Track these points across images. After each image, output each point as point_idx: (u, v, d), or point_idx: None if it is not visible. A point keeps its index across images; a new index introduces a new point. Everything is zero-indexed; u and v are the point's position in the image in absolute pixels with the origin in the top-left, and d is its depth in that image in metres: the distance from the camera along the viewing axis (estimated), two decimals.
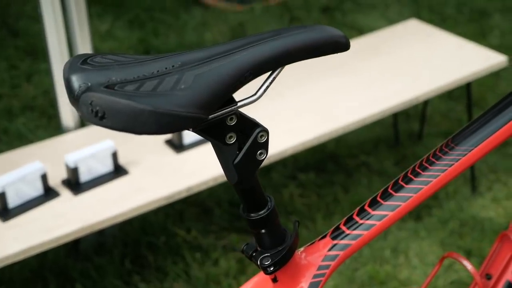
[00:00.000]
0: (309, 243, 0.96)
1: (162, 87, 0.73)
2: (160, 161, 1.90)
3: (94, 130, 2.04)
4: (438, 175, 0.98)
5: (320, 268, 0.94)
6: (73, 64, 0.76)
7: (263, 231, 0.88)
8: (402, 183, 0.98)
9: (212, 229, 2.28)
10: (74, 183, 1.79)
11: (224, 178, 1.86)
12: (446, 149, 1.00)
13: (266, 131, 0.82)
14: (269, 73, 0.80)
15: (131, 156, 1.90)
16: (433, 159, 0.99)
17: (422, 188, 0.97)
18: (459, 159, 0.99)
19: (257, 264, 0.90)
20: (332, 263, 0.94)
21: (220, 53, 0.77)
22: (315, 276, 0.93)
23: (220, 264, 2.14)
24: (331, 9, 3.63)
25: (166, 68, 0.75)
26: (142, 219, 2.25)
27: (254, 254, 0.90)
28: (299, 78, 2.13)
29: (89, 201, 1.77)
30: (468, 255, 2.16)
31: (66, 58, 2.02)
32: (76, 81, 0.74)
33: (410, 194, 0.97)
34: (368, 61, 2.24)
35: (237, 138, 0.80)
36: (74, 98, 0.73)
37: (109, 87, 0.72)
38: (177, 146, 1.93)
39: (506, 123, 1.02)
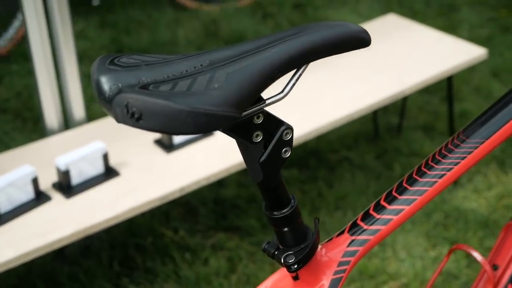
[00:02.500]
0: (326, 240, 0.96)
1: (196, 87, 0.72)
2: (150, 162, 1.88)
3: (80, 132, 2.01)
4: (452, 168, 0.99)
5: (340, 264, 0.94)
6: (100, 65, 0.75)
7: (286, 229, 0.88)
8: (416, 177, 0.99)
9: (199, 229, 2.27)
10: (66, 186, 1.76)
11: (216, 177, 1.86)
12: (458, 142, 1.00)
13: (291, 128, 0.82)
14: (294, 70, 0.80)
15: (121, 157, 1.88)
16: (445, 152, 1.00)
17: (437, 181, 0.98)
18: (472, 151, 1.00)
19: (280, 262, 0.89)
20: (352, 259, 0.95)
21: (248, 51, 0.77)
22: (335, 272, 0.94)
23: (210, 263, 2.13)
24: (303, 5, 3.64)
25: (195, 68, 0.75)
26: (128, 220, 2.23)
27: (276, 252, 0.90)
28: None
29: (82, 204, 1.74)
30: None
31: (49, 59, 1.98)
32: (106, 82, 0.73)
33: (426, 188, 0.98)
34: (349, 56, 2.23)
35: (263, 136, 0.80)
36: (106, 100, 0.72)
37: (143, 87, 0.71)
38: (167, 146, 1.91)
39: None
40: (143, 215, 2.26)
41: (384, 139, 2.68)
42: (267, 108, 0.80)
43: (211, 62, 0.75)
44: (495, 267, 1.31)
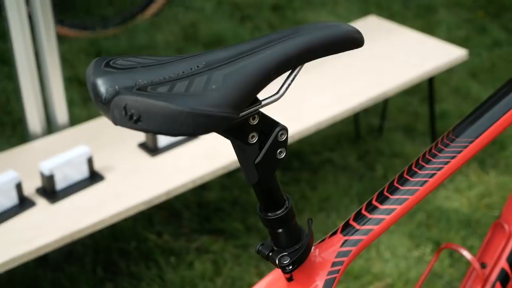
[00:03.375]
0: (319, 241, 0.97)
1: (194, 88, 0.72)
2: (135, 166, 1.87)
3: (62, 136, 1.99)
4: (442, 167, 1.00)
5: (334, 264, 0.94)
6: (96, 68, 0.74)
7: (280, 230, 0.88)
8: (407, 176, 1.00)
9: (183, 232, 2.26)
10: (50, 192, 1.75)
11: (202, 180, 1.85)
12: (447, 141, 1.02)
13: (285, 129, 0.82)
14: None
15: (106, 161, 1.86)
16: (436, 152, 1.01)
17: (427, 181, 0.99)
18: (461, 150, 1.01)
19: (275, 264, 0.89)
20: (345, 259, 0.95)
21: (243, 52, 0.77)
22: (329, 273, 0.94)
23: (195, 266, 2.13)
24: (281, 7, 3.64)
25: (191, 69, 0.75)
26: (111, 225, 2.21)
27: (271, 253, 0.90)
28: None
29: (67, 209, 1.73)
30: (437, 245, 2.20)
31: (32, 63, 1.96)
32: (102, 85, 0.72)
33: (417, 187, 0.98)
34: (330, 58, 2.25)
35: (259, 137, 0.80)
36: (103, 102, 0.71)
37: (141, 89, 0.71)
38: (152, 150, 1.90)
39: (505, 112, 1.04)
40: (126, 219, 2.25)
41: (366, 140, 2.69)
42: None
43: (207, 63, 0.75)
44: (483, 265, 1.33)
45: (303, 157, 2.59)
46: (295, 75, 0.81)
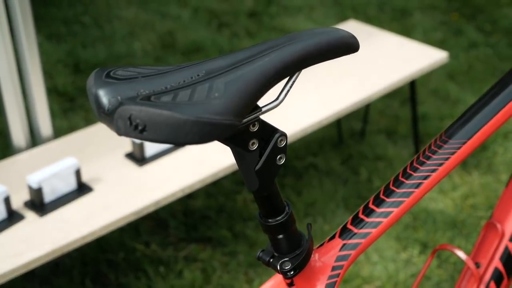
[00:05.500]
0: (318, 245, 0.97)
1: (197, 96, 0.72)
2: (123, 176, 1.85)
3: (48, 148, 1.97)
4: (436, 169, 1.00)
5: (334, 268, 0.95)
6: (97, 79, 0.74)
7: (280, 236, 0.88)
8: (402, 179, 1.00)
9: (170, 241, 2.25)
10: (38, 205, 1.73)
11: (191, 189, 1.85)
12: (441, 143, 1.02)
13: (285, 135, 0.83)
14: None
15: (93, 173, 1.85)
16: (429, 154, 1.02)
17: (422, 183, 1.00)
18: (454, 152, 1.02)
19: (276, 269, 0.90)
20: (345, 263, 0.95)
21: (242, 60, 0.77)
22: (330, 277, 0.94)
23: (184, 275, 2.12)
24: (258, 14, 3.65)
25: (192, 78, 0.75)
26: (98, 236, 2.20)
27: (271, 260, 0.90)
28: None
29: (56, 222, 1.71)
30: (425, 247, 2.22)
31: (15, 76, 1.94)
32: (105, 95, 0.72)
33: (412, 190, 0.99)
34: None
35: (259, 144, 0.80)
36: (105, 113, 0.71)
37: (144, 99, 0.71)
38: (139, 160, 1.89)
39: (497, 113, 1.05)
40: (113, 230, 2.23)
41: (348, 145, 2.71)
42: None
43: (207, 72, 0.76)
44: (477, 265, 1.34)
45: (287, 163, 2.60)
46: (294, 81, 0.81)
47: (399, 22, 3.59)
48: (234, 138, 0.79)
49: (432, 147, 1.03)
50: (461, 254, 1.25)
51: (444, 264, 2.16)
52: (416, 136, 2.56)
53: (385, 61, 2.34)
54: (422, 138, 2.67)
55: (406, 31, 3.46)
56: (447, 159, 1.01)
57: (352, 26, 2.54)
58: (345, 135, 2.74)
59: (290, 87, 0.81)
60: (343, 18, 3.50)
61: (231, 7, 3.70)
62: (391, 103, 2.94)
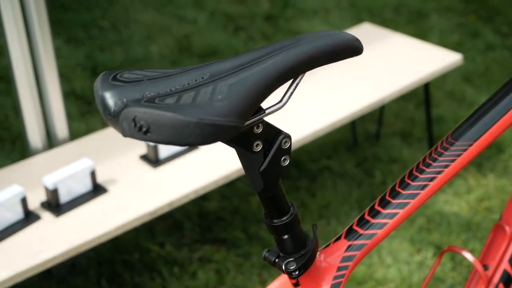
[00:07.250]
0: (324, 246, 0.98)
1: (200, 99, 0.74)
2: (138, 177, 1.88)
3: (64, 150, 2.00)
4: (442, 171, 1.01)
5: (339, 269, 0.96)
6: (104, 81, 0.77)
7: (285, 236, 0.89)
8: (408, 180, 1.01)
9: (185, 242, 2.27)
10: (54, 205, 1.76)
11: (205, 190, 1.87)
12: (447, 145, 1.03)
13: (289, 137, 0.84)
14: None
15: (108, 174, 1.88)
16: (436, 156, 1.02)
17: (428, 185, 1.00)
18: (461, 154, 1.02)
19: (281, 270, 0.91)
20: (350, 264, 0.96)
21: (246, 63, 0.79)
22: (335, 277, 0.95)
23: (198, 276, 2.14)
24: (274, 17, 3.67)
25: (196, 80, 0.76)
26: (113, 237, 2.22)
27: (277, 260, 0.91)
28: None
29: (72, 222, 1.74)
30: (439, 250, 2.22)
31: (31, 78, 1.98)
32: (111, 98, 0.74)
33: (418, 191, 1.00)
34: (326, 66, 2.28)
35: (263, 145, 0.82)
36: (111, 114, 0.73)
37: (149, 101, 0.73)
38: (153, 161, 1.92)
39: (504, 115, 1.05)
40: (128, 231, 2.26)
41: (363, 147, 2.71)
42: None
43: (211, 74, 0.77)
44: (485, 267, 1.34)
45: (301, 165, 2.61)
46: (297, 84, 0.83)
47: (416, 25, 3.59)
48: (238, 139, 0.80)
49: (439, 149, 1.03)
50: (468, 256, 1.25)
51: (458, 267, 2.16)
52: (431, 138, 2.56)
53: (398, 63, 2.34)
54: (437, 140, 2.67)
55: (423, 34, 3.46)
56: (453, 161, 1.02)
57: (366, 29, 2.55)
58: (360, 137, 2.75)
59: (294, 89, 0.82)
60: (359, 21, 3.51)
61: (247, 11, 3.72)
62: (406, 105, 2.94)
